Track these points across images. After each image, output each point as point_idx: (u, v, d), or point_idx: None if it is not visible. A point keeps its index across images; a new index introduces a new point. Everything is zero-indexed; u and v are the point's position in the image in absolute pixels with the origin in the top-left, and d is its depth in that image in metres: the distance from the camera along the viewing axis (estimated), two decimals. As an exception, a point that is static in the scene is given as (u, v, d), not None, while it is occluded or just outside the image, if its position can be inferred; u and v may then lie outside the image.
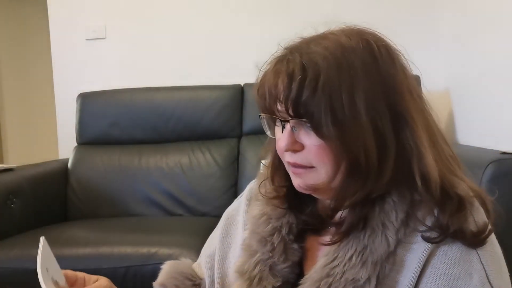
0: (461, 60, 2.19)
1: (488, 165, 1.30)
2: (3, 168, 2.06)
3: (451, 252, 0.61)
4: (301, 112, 0.61)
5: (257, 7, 2.48)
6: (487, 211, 0.65)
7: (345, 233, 0.65)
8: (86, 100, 2.40)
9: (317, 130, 0.61)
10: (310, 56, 0.62)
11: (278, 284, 0.69)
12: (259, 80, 0.68)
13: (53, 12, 2.60)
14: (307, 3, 2.42)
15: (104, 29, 2.56)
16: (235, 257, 0.77)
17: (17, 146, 4.24)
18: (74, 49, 2.59)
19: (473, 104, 2.06)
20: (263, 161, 0.79)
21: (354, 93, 0.60)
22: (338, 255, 0.64)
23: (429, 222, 0.62)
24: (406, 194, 0.63)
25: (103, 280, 0.77)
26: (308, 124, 0.62)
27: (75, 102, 2.42)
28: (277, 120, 0.66)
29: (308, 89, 0.60)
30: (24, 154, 4.02)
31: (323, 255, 0.66)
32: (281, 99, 0.63)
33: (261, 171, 0.80)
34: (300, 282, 0.66)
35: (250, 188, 0.84)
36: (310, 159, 0.64)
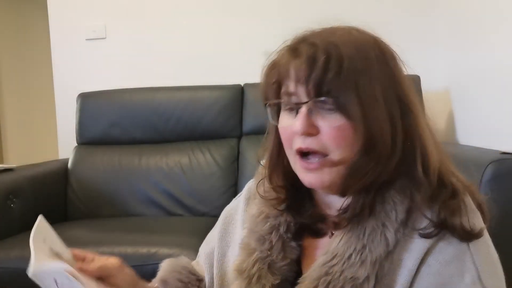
0: (461, 60, 2.19)
1: (488, 165, 1.30)
2: (3, 168, 2.06)
3: (446, 251, 0.62)
4: (324, 92, 0.62)
5: (258, 7, 2.48)
6: (479, 206, 0.66)
7: (351, 219, 0.65)
8: (86, 100, 2.40)
9: (342, 109, 0.62)
10: (329, 40, 0.64)
11: (276, 282, 0.69)
12: (267, 68, 0.69)
13: (53, 12, 2.60)
14: (307, 4, 2.42)
15: (104, 29, 2.56)
16: (234, 256, 0.77)
17: (17, 146, 4.24)
18: (74, 49, 2.59)
19: (473, 104, 2.06)
20: (262, 162, 0.79)
21: (372, 79, 0.63)
22: (337, 253, 0.64)
23: (428, 215, 0.63)
24: (407, 193, 0.64)
25: (113, 259, 0.76)
26: (329, 105, 0.63)
27: (75, 102, 2.42)
28: (288, 106, 0.67)
29: (334, 70, 0.62)
30: (24, 154, 4.02)
31: (322, 253, 0.66)
32: (301, 80, 0.63)
33: (259, 170, 0.80)
34: (299, 280, 0.66)
35: (249, 187, 0.85)
36: (324, 142, 0.64)
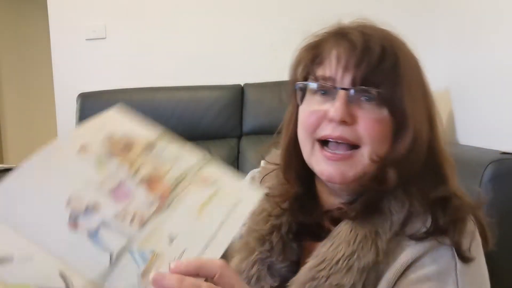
0: (461, 60, 2.19)
1: (488, 165, 1.30)
2: (3, 168, 2.05)
3: (429, 267, 0.60)
4: (372, 81, 0.60)
5: (258, 7, 2.48)
6: (482, 229, 0.64)
7: (359, 211, 0.63)
8: (86, 100, 2.40)
9: (389, 103, 0.61)
10: (381, 33, 0.63)
11: (275, 284, 0.67)
12: (307, 47, 0.67)
13: (53, 12, 2.60)
14: (307, 4, 2.42)
15: (104, 29, 2.56)
16: (232, 250, 0.75)
17: (17, 146, 4.24)
18: (74, 49, 2.59)
19: (473, 104, 2.06)
20: (266, 158, 0.77)
21: (418, 80, 0.64)
22: (325, 258, 0.62)
23: (428, 219, 0.61)
24: (406, 201, 0.62)
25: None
26: (372, 96, 0.61)
27: (75, 102, 2.42)
28: (322, 89, 0.64)
29: (390, 61, 0.60)
30: (24, 154, 4.00)
31: (313, 256, 0.64)
32: (350, 65, 0.61)
33: (263, 165, 0.78)
34: (288, 284, 0.65)
35: (253, 177, 0.81)
36: (360, 133, 0.61)
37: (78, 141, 0.58)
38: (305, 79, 0.66)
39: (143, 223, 0.49)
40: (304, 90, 0.66)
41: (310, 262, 0.63)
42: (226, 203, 0.52)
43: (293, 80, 0.68)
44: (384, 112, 0.61)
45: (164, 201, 0.52)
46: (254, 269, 0.68)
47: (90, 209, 0.50)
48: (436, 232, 0.60)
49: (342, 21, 0.67)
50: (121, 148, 0.57)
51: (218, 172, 0.56)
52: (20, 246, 0.47)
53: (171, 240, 0.49)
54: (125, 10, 2.55)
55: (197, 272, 0.44)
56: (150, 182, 0.54)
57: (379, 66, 0.60)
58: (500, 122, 1.81)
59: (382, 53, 0.60)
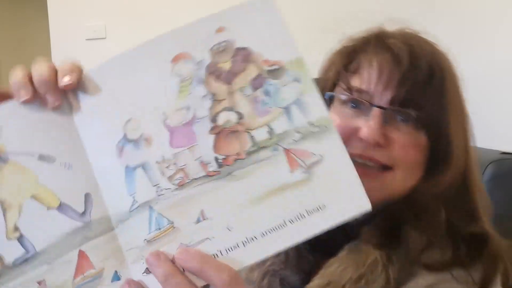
0: (461, 60, 2.19)
1: (488, 165, 1.29)
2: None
3: None
4: (415, 103, 0.55)
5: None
6: (504, 263, 0.59)
7: (374, 235, 0.58)
8: (86, 100, 2.40)
9: (431, 129, 0.56)
10: (428, 48, 0.59)
11: None
12: (342, 52, 0.62)
13: (53, 12, 2.60)
14: (306, 4, 2.42)
15: (104, 29, 2.56)
16: None
17: (17, 146, 4.23)
18: (74, 49, 2.59)
19: (473, 104, 2.06)
20: None
21: (462, 106, 0.61)
22: (332, 279, 0.57)
23: (448, 250, 0.56)
24: (425, 234, 0.57)
25: None
26: (412, 118, 0.56)
27: (75, 102, 2.42)
28: (354, 102, 0.58)
29: (437, 82, 0.56)
30: (24, 154, 4.02)
31: (319, 276, 0.59)
32: (392, 82, 0.55)
33: None
34: None
35: None
36: (393, 157, 0.56)
37: (180, 46, 0.45)
38: (335, 85, 0.61)
39: (182, 185, 0.40)
40: (332, 97, 0.61)
41: (315, 282, 0.58)
42: (304, 203, 0.39)
43: (322, 85, 0.62)
44: (422, 137, 0.56)
45: (222, 169, 0.40)
46: (266, 280, 0.63)
47: (141, 141, 0.42)
48: (454, 264, 0.56)
49: (382, 26, 0.63)
50: (223, 71, 0.42)
51: (327, 152, 0.39)
52: (65, 151, 0.43)
53: (199, 220, 0.39)
54: (125, 10, 2.55)
55: (197, 273, 0.39)
56: (223, 135, 0.40)
57: (425, 87, 0.55)
58: (500, 122, 1.82)
59: (429, 73, 0.55)
